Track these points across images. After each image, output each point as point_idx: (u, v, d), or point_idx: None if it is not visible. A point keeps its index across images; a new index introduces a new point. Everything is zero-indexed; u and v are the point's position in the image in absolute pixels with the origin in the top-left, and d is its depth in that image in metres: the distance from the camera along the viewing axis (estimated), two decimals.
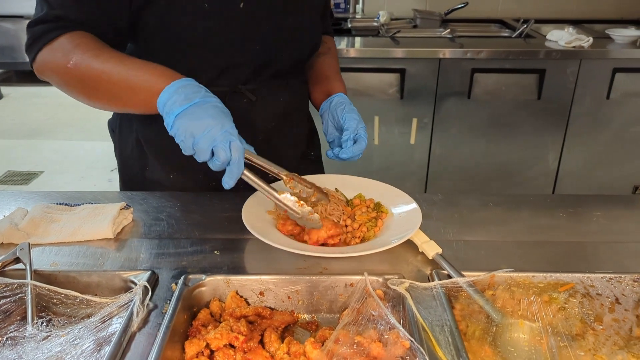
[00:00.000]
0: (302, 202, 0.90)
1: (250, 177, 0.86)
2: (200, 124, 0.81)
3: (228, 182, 0.84)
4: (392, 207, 1.02)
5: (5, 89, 5.37)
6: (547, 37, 2.65)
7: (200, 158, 0.83)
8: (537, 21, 2.89)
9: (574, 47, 2.49)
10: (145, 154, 1.17)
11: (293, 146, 1.27)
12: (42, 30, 0.93)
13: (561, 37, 2.55)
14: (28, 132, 4.33)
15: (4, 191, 1.18)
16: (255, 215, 0.98)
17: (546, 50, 2.51)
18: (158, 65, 0.91)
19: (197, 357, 0.74)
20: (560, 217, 1.08)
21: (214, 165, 0.83)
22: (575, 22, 3.02)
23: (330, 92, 1.20)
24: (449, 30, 2.84)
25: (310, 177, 1.10)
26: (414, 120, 2.67)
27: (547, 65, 2.52)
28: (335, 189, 1.06)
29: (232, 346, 0.75)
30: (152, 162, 1.17)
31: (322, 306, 0.87)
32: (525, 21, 2.81)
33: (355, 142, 1.10)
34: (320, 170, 1.42)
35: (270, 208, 1.02)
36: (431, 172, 2.82)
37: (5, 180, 3.46)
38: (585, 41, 2.49)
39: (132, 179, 1.22)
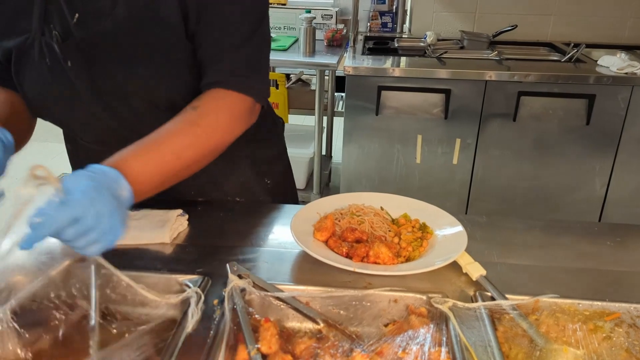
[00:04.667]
0: None
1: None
2: None
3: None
4: (436, 228, 1.04)
5: None
6: (599, 62, 2.61)
7: None
8: (588, 46, 2.85)
9: (626, 73, 2.45)
10: None
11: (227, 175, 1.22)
12: None
13: (613, 63, 2.51)
14: None
15: None
16: (303, 228, 1.01)
17: (597, 76, 2.47)
18: None
19: None
20: (607, 245, 1.08)
21: None
22: (628, 48, 2.97)
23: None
24: (496, 52, 2.84)
25: (356, 195, 1.13)
26: (458, 141, 2.68)
27: (597, 91, 2.48)
28: (381, 207, 1.09)
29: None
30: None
31: (365, 320, 0.89)
32: (576, 45, 2.78)
33: None
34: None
35: (316, 222, 1.05)
36: (473, 193, 2.80)
37: None
38: (638, 68, 2.45)
39: None
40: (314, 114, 3.04)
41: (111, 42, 0.97)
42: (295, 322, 0.90)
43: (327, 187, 3.56)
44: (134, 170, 0.83)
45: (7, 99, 1.06)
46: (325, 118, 3.42)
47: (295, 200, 1.45)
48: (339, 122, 3.70)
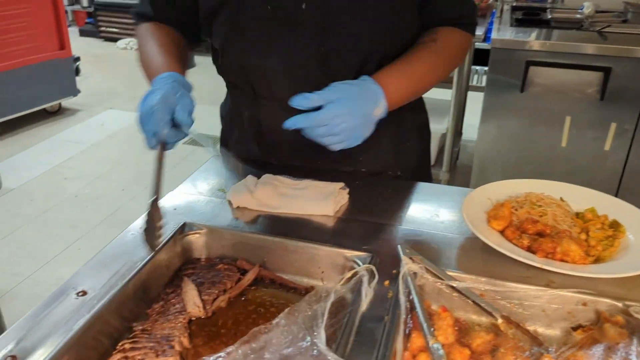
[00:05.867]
0: None
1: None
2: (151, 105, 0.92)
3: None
4: (628, 227, 0.93)
5: (198, 59, 5.94)
6: None
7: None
8: None
9: None
10: None
11: (392, 143, 1.19)
12: (140, 12, 1.18)
13: None
14: (215, 99, 4.75)
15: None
16: (474, 214, 0.95)
17: None
18: (176, 64, 1.05)
19: (422, 351, 0.74)
20: None
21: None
22: None
23: None
24: None
25: (531, 182, 1.04)
26: (613, 125, 2.42)
27: None
28: (560, 198, 0.99)
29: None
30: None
31: (547, 320, 0.82)
32: None
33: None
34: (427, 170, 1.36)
35: (488, 208, 0.99)
36: (624, 184, 2.54)
37: (193, 142, 3.84)
38: None
39: None
40: (446, 87, 2.90)
41: None
42: (469, 314, 0.85)
43: (455, 166, 3.43)
44: (391, 91, 1.00)
45: (169, 34, 1.15)
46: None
47: (429, 177, 1.39)
48: (472, 98, 3.52)
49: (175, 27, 1.17)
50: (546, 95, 2.47)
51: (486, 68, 2.69)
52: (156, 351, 0.75)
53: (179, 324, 0.80)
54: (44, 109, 4.35)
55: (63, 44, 4.28)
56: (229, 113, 1.31)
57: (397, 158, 1.21)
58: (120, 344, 0.76)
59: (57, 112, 4.50)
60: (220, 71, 1.19)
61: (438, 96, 3.45)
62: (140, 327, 0.80)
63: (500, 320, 0.80)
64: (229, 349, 0.70)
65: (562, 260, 0.85)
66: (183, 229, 0.96)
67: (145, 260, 0.87)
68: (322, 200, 1.03)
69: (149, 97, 0.93)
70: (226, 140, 1.33)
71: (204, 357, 0.69)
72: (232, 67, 1.14)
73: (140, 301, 0.86)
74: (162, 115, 0.90)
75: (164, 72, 0.99)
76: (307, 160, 1.17)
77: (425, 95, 1.41)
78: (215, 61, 1.19)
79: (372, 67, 1.07)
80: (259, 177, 1.11)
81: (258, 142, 1.20)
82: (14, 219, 3.01)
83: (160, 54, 1.07)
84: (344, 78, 1.05)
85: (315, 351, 0.68)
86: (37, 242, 2.82)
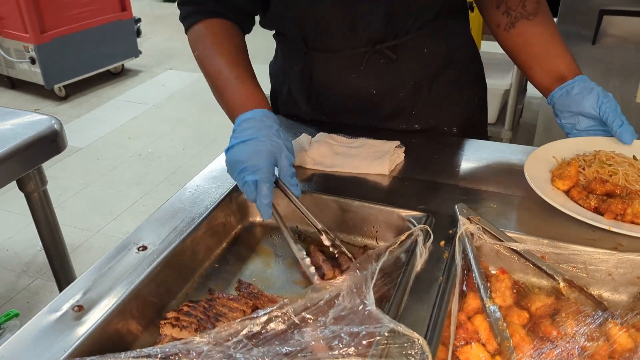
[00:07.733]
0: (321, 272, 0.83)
1: (278, 219, 0.88)
2: (238, 161, 0.87)
3: (261, 215, 0.85)
4: None
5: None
6: None
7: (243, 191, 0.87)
8: None
9: None
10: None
11: (446, 97, 1.15)
12: (185, 13, 1.06)
13: None
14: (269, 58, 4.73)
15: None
16: (538, 173, 0.91)
17: None
18: (252, 87, 0.99)
19: (477, 313, 0.73)
20: None
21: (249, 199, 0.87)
22: None
23: (563, 76, 1.02)
24: None
25: (600, 140, 0.98)
26: None
27: None
28: (633, 156, 0.93)
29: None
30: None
31: (614, 286, 0.78)
32: None
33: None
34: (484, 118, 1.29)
35: (552, 167, 0.94)
36: None
37: None
38: None
39: None
40: None
41: None
42: (528, 277, 0.82)
43: (518, 124, 3.29)
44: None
45: (228, 32, 1.05)
46: None
47: (485, 134, 1.34)
48: None
49: (230, 13, 1.05)
50: (620, 47, 2.30)
51: (555, 19, 2.52)
52: (199, 325, 0.74)
53: (238, 313, 0.76)
54: (108, 71, 4.48)
55: (124, 5, 4.35)
56: (278, 70, 1.28)
57: (453, 112, 1.16)
58: (183, 304, 0.77)
59: (120, 73, 4.63)
60: (268, 22, 1.12)
61: (502, 50, 3.29)
62: (214, 295, 0.79)
63: (562, 284, 0.77)
64: (279, 303, 0.71)
65: (632, 223, 0.80)
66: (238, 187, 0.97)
67: (202, 217, 0.89)
68: (377, 159, 1.02)
69: (248, 169, 0.85)
70: (276, 99, 1.31)
71: (253, 313, 0.70)
72: (283, 16, 1.08)
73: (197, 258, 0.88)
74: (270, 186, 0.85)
75: (250, 111, 0.93)
76: (360, 117, 1.15)
77: (488, 50, 1.35)
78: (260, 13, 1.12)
79: (435, 24, 1.04)
80: (312, 136, 1.10)
81: (308, 98, 1.17)
82: (84, 177, 3.17)
83: (235, 77, 0.99)
84: (408, 29, 1.04)
85: (366, 311, 0.68)
86: (105, 199, 2.96)
